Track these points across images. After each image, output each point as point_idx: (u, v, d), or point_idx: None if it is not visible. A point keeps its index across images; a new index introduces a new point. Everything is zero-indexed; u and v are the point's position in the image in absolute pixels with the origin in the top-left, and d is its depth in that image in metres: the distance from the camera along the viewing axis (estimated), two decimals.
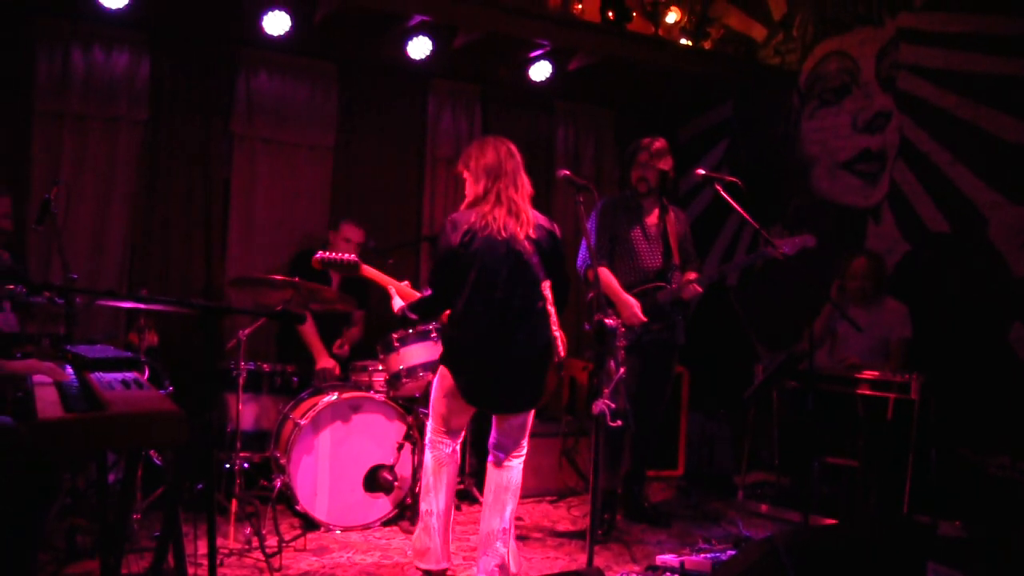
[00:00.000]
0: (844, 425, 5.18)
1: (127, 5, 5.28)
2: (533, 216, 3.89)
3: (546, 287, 3.85)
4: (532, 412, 4.00)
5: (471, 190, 3.89)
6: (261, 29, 5.65)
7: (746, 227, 7.05)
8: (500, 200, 3.81)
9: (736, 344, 6.85)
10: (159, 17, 5.75)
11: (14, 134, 5.49)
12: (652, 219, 5.04)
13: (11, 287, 4.10)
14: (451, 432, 3.98)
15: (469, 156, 3.91)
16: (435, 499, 3.91)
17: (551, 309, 3.85)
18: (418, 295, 4.01)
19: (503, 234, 3.77)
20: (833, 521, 4.97)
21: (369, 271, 4.14)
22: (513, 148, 3.93)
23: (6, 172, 5.39)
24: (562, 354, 3.89)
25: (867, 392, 5.03)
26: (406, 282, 4.16)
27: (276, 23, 5.61)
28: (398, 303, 4.04)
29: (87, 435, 2.49)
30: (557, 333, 3.87)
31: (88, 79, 5.64)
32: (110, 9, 5.28)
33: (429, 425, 4.03)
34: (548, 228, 3.94)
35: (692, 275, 4.96)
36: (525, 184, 3.90)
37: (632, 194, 5.06)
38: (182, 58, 5.92)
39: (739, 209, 4.64)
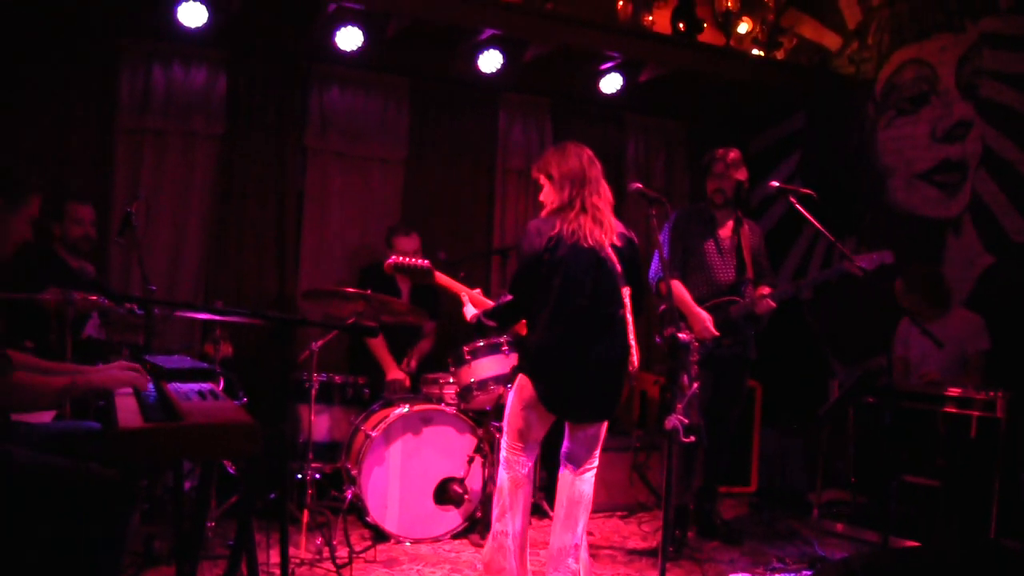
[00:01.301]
0: (924, 443, 5.03)
1: (206, 24, 5.41)
2: (615, 224, 3.87)
3: (626, 294, 3.81)
4: (606, 423, 3.94)
5: (553, 197, 3.85)
6: (334, 45, 5.73)
7: (820, 240, 6.92)
8: (585, 208, 3.78)
9: (810, 359, 6.72)
10: (235, 35, 5.89)
11: (98, 149, 5.67)
12: (726, 232, 4.97)
13: (94, 298, 4.21)
14: (527, 446, 3.90)
15: (549, 163, 3.88)
16: (511, 520, 3.85)
17: (629, 317, 3.82)
18: (491, 303, 3.99)
19: (588, 242, 3.73)
20: (915, 543, 4.82)
21: (442, 278, 4.12)
22: (593, 155, 3.90)
23: (90, 185, 5.56)
24: (635, 364, 3.84)
25: (949, 410, 4.88)
26: (478, 290, 4.14)
27: (349, 39, 5.68)
28: (471, 311, 4.01)
29: (165, 445, 2.53)
30: (632, 342, 3.83)
31: (168, 96, 5.80)
32: (190, 28, 5.41)
33: (504, 442, 3.96)
34: (628, 235, 3.90)
35: (766, 289, 4.88)
36: (606, 192, 3.87)
37: (707, 206, 5.00)
38: (257, 74, 6.04)
39: (814, 222, 4.55)
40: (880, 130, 6.68)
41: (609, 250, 3.78)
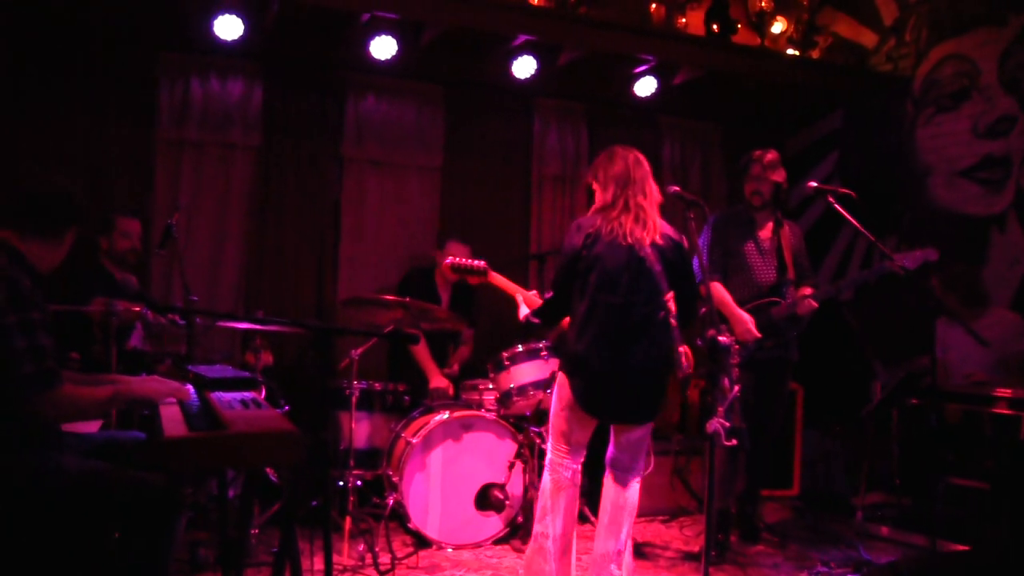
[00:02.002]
0: (971, 445, 4.95)
1: (241, 36, 5.47)
2: (660, 225, 3.82)
3: (669, 298, 3.74)
4: (650, 427, 3.89)
5: (600, 198, 3.87)
6: (368, 54, 5.76)
7: (859, 240, 6.85)
8: (628, 207, 3.77)
9: (851, 360, 6.64)
10: (271, 46, 5.94)
11: (138, 161, 5.75)
12: (766, 233, 4.93)
13: (137, 308, 4.27)
14: (572, 450, 3.88)
15: (597, 167, 3.90)
16: (552, 522, 3.83)
17: (673, 322, 3.74)
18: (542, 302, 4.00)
19: (627, 240, 3.71)
20: (963, 547, 4.73)
21: (496, 278, 4.15)
22: (641, 157, 3.90)
23: (131, 198, 5.64)
24: (688, 370, 3.75)
25: (998, 411, 4.79)
26: (534, 292, 4.14)
27: (383, 48, 5.71)
28: (524, 311, 4.03)
29: (210, 453, 2.56)
30: (681, 347, 3.75)
31: (205, 108, 5.87)
32: (226, 41, 5.47)
33: (549, 444, 3.95)
34: (675, 239, 3.84)
35: (807, 290, 4.83)
36: (653, 192, 3.85)
37: (745, 208, 4.97)
38: (293, 85, 6.10)
39: (854, 222, 4.50)
40: (919, 127, 6.60)
41: (649, 250, 3.74)
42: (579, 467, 3.91)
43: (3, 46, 5.34)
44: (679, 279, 3.80)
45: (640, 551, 4.88)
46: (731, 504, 4.97)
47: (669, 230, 3.85)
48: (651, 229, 3.77)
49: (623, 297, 3.71)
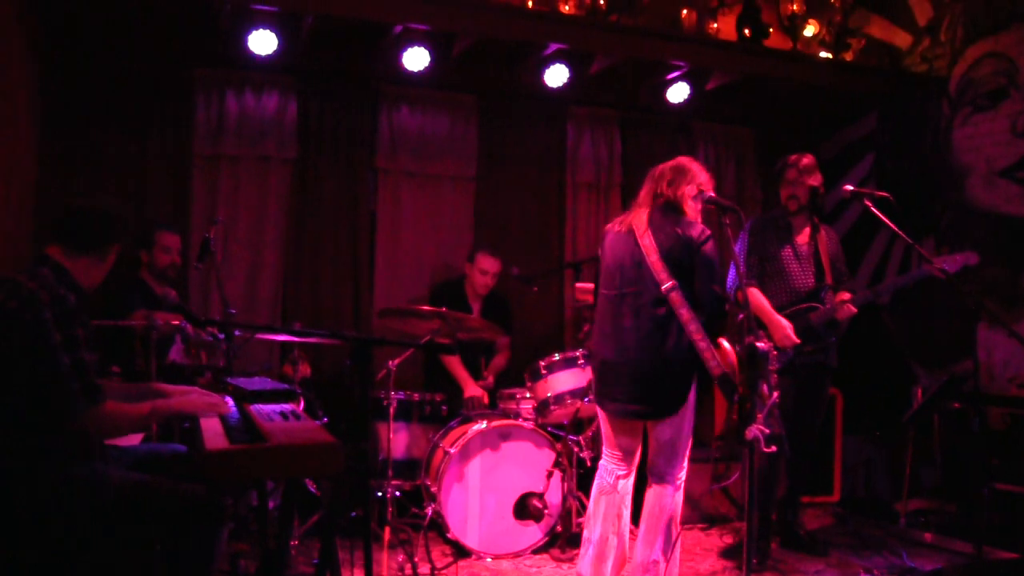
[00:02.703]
0: (1015, 449, 4.88)
1: (275, 50, 5.52)
2: (662, 219, 3.82)
3: (671, 290, 3.69)
4: (681, 427, 3.81)
5: None
6: (401, 66, 5.79)
7: (897, 243, 6.77)
8: (636, 202, 3.95)
9: (890, 364, 6.56)
10: (305, 60, 5.99)
11: (177, 177, 5.81)
12: (803, 238, 4.89)
13: (176, 322, 4.32)
14: (619, 455, 3.91)
15: None
16: (592, 528, 3.88)
17: (684, 314, 3.68)
18: None
19: (625, 232, 3.87)
20: (1010, 555, 4.65)
21: None
22: (672, 162, 4.00)
23: (170, 212, 5.71)
24: (722, 368, 3.62)
25: None
26: None
27: (416, 59, 5.74)
28: None
29: (251, 465, 2.59)
30: (702, 344, 3.64)
31: (241, 122, 5.92)
32: (260, 55, 5.53)
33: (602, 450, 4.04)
34: (682, 235, 3.76)
35: (846, 295, 4.79)
36: (665, 190, 3.87)
37: (782, 213, 4.93)
38: (327, 97, 6.13)
39: (891, 225, 4.46)
40: (956, 128, 6.52)
41: (644, 240, 3.78)
42: (626, 474, 3.92)
43: (40, 64, 5.42)
44: (684, 276, 3.74)
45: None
46: (771, 511, 4.93)
47: (685, 229, 3.79)
48: (643, 220, 3.84)
49: (617, 288, 3.84)
